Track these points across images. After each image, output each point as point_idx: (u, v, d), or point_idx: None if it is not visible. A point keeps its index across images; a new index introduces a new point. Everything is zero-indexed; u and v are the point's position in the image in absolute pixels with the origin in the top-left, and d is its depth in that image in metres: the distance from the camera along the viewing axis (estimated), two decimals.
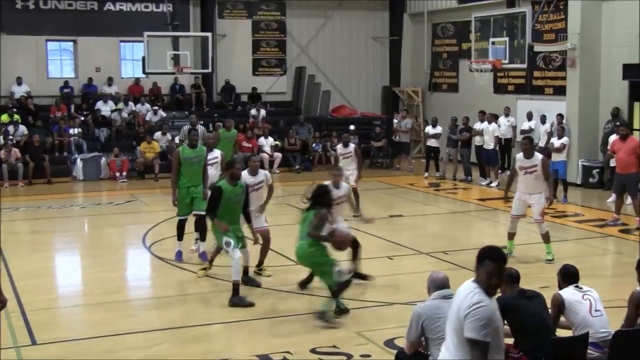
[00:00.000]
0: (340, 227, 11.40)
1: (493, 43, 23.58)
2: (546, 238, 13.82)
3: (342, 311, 10.61)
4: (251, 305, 11.19)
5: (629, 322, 8.13)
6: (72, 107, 26.76)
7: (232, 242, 11.31)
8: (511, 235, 14.11)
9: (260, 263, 12.94)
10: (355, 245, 12.08)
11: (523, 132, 23.89)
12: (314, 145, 26.87)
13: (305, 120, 28.01)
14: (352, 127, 25.51)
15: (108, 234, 17.15)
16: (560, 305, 8.09)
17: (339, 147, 18.52)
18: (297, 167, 26.02)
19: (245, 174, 12.53)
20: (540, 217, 13.85)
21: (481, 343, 5.82)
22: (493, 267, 6.01)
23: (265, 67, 29.97)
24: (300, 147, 26.82)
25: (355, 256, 12.12)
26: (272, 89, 29.59)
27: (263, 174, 13.02)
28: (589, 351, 7.73)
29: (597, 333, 7.86)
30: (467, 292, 5.98)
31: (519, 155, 13.85)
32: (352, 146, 18.32)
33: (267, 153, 25.93)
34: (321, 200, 10.87)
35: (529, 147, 13.77)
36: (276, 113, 28.69)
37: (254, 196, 12.56)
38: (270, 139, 26.29)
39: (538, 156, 13.76)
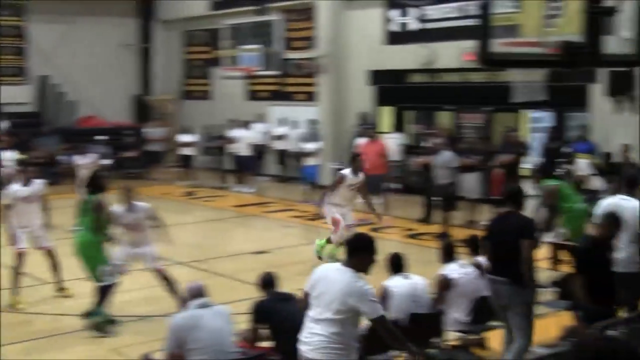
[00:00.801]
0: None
1: (245, 50, 23.88)
2: None
3: (104, 323, 10.42)
4: None
5: None
6: None
7: None
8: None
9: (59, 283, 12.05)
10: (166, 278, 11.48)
11: (276, 137, 24.38)
12: (61, 157, 25.88)
13: (51, 131, 26.92)
14: (100, 137, 24.95)
15: None
16: None
17: (77, 158, 18.11)
18: (44, 180, 24.92)
19: (15, 185, 11.85)
20: (355, 222, 14.12)
21: (384, 316, 6.65)
22: (367, 256, 6.63)
23: (5, 76, 28.09)
24: (47, 160, 25.78)
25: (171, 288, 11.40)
26: (13, 100, 28.00)
27: (38, 182, 12.18)
28: None
29: None
30: (347, 276, 6.51)
31: (348, 172, 13.96)
32: (92, 156, 18.00)
33: (9, 167, 24.62)
34: (96, 184, 10.59)
35: (358, 164, 14.08)
36: (18, 125, 27.17)
37: (28, 209, 11.83)
38: (13, 153, 24.98)
39: (360, 175, 14.07)
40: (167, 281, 11.35)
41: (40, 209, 12.13)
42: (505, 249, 8.15)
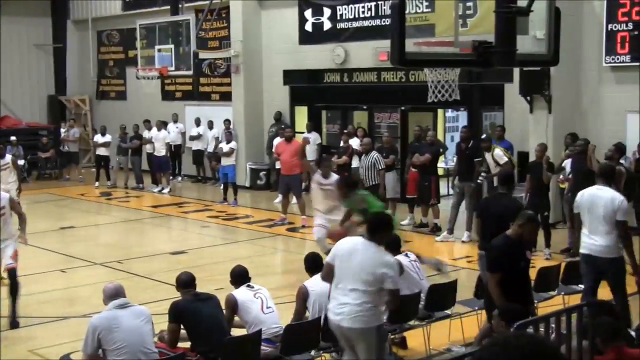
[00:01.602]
0: None
1: (159, 50, 23.72)
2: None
3: None
4: None
5: (298, 315, 8.54)
6: None
7: None
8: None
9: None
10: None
11: (192, 137, 24.26)
12: None
13: None
14: (12, 138, 24.52)
15: None
16: (233, 305, 8.31)
17: None
18: None
19: None
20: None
21: (399, 290, 7.45)
22: (387, 233, 7.60)
23: None
24: None
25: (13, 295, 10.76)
26: None
27: (4, 198, 10.93)
28: (262, 347, 8.01)
29: (269, 329, 8.17)
30: (375, 251, 7.27)
31: (317, 174, 13.46)
32: (8, 157, 17.60)
33: None
34: None
35: (327, 166, 13.70)
36: None
37: None
38: None
39: (334, 176, 13.47)
40: (14, 283, 10.71)
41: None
42: (498, 228, 8.63)
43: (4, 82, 27.98)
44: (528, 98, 16.63)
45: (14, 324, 10.63)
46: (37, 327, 10.66)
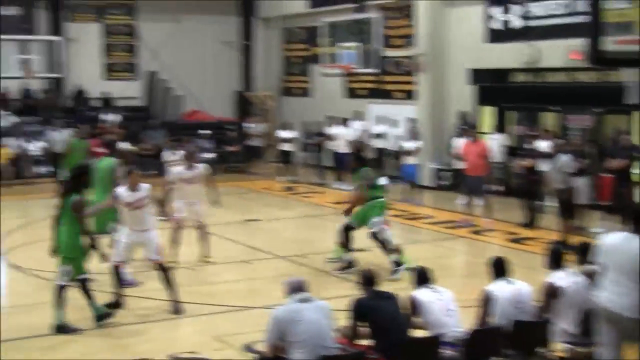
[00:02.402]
0: None
1: (344, 48, 23.86)
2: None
3: (101, 316, 10.40)
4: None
5: (482, 320, 8.31)
6: None
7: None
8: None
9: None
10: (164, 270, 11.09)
11: (375, 136, 24.26)
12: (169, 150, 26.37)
13: (158, 125, 27.58)
14: (204, 131, 25.29)
15: None
16: (415, 306, 8.18)
17: (167, 154, 18.57)
18: (152, 172, 25.43)
19: (121, 190, 11.11)
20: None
21: None
22: None
23: (117, 72, 29.45)
24: (155, 152, 26.29)
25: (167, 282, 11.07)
26: (124, 94, 29.02)
27: (145, 187, 11.19)
28: (443, 350, 7.84)
29: (450, 332, 7.99)
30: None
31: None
32: (180, 153, 18.14)
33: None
34: (78, 181, 10.26)
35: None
36: (129, 118, 28.12)
37: (134, 216, 11.00)
38: (126, 144, 25.56)
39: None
40: (166, 275, 10.97)
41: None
42: None
43: (195, 77, 29.13)
44: None
45: (177, 310, 10.92)
46: (220, 315, 10.92)
